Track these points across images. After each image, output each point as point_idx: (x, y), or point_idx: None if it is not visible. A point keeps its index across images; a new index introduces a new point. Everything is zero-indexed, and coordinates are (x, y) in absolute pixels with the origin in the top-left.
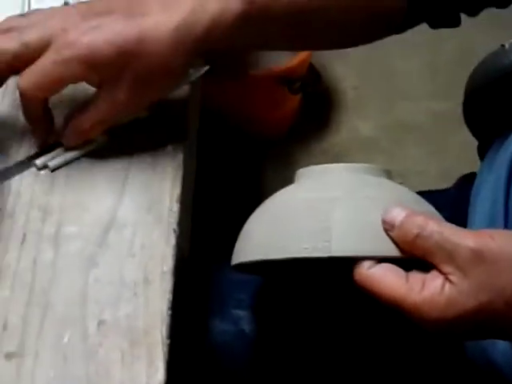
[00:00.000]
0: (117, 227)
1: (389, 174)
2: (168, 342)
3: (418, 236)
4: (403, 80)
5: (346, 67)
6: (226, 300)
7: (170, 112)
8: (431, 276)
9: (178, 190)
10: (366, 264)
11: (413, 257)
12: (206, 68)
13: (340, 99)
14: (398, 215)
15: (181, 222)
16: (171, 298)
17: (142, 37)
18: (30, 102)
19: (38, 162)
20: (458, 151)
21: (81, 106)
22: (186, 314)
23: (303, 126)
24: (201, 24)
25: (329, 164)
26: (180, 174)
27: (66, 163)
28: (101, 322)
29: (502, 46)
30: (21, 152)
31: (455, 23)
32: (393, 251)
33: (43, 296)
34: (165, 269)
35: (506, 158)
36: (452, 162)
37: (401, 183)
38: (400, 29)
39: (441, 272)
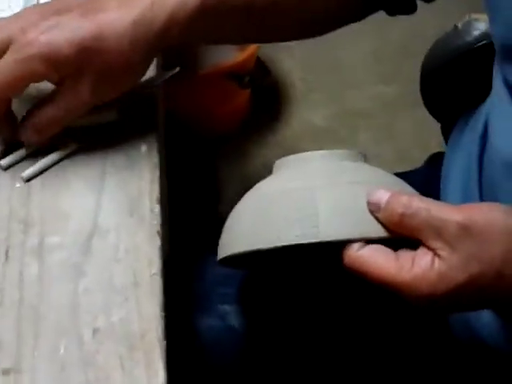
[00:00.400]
0: (100, 233)
1: (365, 158)
2: (164, 343)
3: (404, 215)
4: (350, 69)
5: (292, 60)
6: (212, 296)
7: (141, 113)
8: (420, 253)
9: (156, 191)
10: (355, 246)
11: (401, 236)
12: (177, 69)
13: (289, 91)
14: (382, 196)
15: (163, 223)
16: (163, 300)
17: (100, 33)
18: None
19: (3, 162)
20: (410, 133)
21: (39, 102)
22: (173, 312)
23: (255, 120)
24: (159, 19)
25: (305, 152)
26: (157, 174)
27: (40, 172)
28: (95, 330)
29: (455, 26)
30: None
31: (412, 9)
32: (380, 232)
33: (33, 310)
34: (153, 271)
35: (476, 135)
36: (405, 144)
37: None
38: (357, 17)
39: (429, 248)
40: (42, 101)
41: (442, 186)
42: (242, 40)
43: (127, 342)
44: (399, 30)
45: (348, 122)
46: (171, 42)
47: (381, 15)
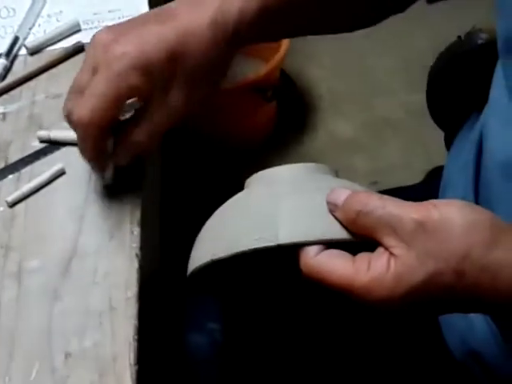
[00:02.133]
0: (79, 256)
1: (336, 173)
2: (136, 368)
3: (360, 213)
4: (376, 77)
5: (318, 70)
6: (200, 312)
7: None
8: (376, 254)
9: (138, 213)
10: (312, 251)
11: (360, 237)
12: None
13: (315, 103)
14: (340, 195)
15: (144, 245)
16: (137, 324)
17: (182, 38)
18: (90, 134)
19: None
20: (440, 142)
21: (127, 125)
22: (164, 328)
23: (281, 132)
24: (231, 19)
25: (271, 168)
26: (139, 195)
27: (25, 197)
28: (67, 354)
29: (459, 37)
30: None
31: None
32: (338, 234)
33: (9, 334)
34: (129, 294)
35: (472, 143)
36: (434, 153)
37: (375, 182)
38: (403, 7)
39: (385, 247)
40: (131, 122)
41: (440, 196)
42: (308, 32)
43: (99, 367)
44: (427, 38)
45: (376, 132)
46: (245, 41)
47: (408, 24)
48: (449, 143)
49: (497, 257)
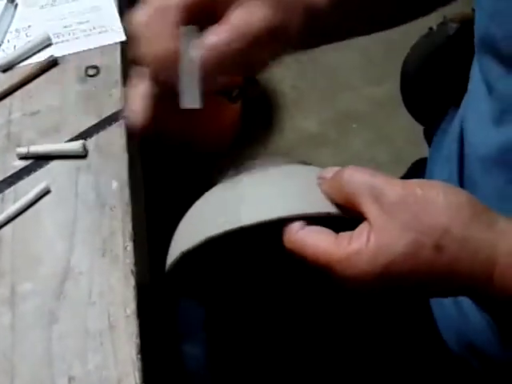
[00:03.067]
0: (72, 276)
1: (306, 164)
2: None
3: (348, 179)
4: (340, 72)
5: (281, 68)
6: (194, 322)
7: (110, 147)
8: (358, 230)
9: (129, 228)
10: (295, 227)
11: (342, 210)
12: None
13: (280, 100)
14: (331, 170)
15: (138, 260)
16: (139, 342)
17: None
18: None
19: None
20: (404, 134)
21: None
22: (157, 340)
23: (248, 132)
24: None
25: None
26: (129, 210)
27: (10, 219)
28: (71, 379)
29: (430, 28)
30: None
31: None
32: (306, 209)
33: (7, 362)
34: (128, 312)
35: (454, 135)
36: (400, 145)
37: None
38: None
39: (366, 217)
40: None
41: None
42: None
43: None
44: (396, 30)
45: (341, 126)
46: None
47: None
48: (428, 136)
49: (476, 235)
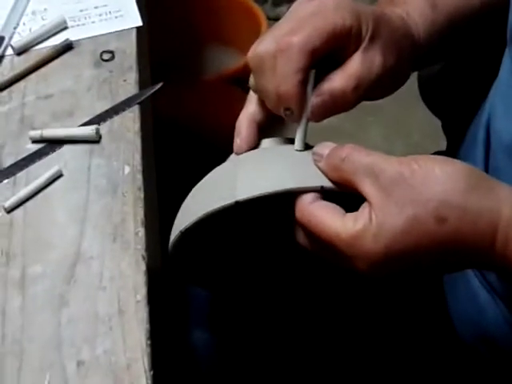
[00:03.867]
0: (83, 261)
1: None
2: (151, 373)
3: (345, 159)
4: None
5: None
6: (205, 309)
7: (123, 133)
8: (361, 210)
9: (141, 214)
10: (308, 198)
11: (339, 187)
12: (159, 85)
13: None
14: (327, 147)
15: (149, 246)
16: (149, 328)
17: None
18: (296, 60)
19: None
20: (422, 127)
21: (325, 78)
22: (167, 326)
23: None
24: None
25: None
26: (141, 196)
27: (22, 202)
28: (80, 363)
29: None
30: None
31: None
32: (301, 183)
33: (17, 344)
34: (138, 298)
35: (481, 124)
36: (417, 139)
37: None
38: None
39: (364, 195)
40: (331, 71)
41: None
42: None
43: (112, 374)
44: None
45: (358, 118)
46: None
47: None
48: (447, 130)
49: (476, 202)
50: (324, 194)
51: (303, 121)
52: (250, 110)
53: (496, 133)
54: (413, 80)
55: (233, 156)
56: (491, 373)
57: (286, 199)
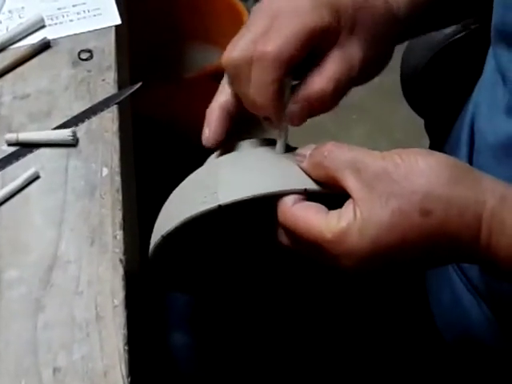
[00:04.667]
0: (60, 265)
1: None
2: (129, 379)
3: (327, 156)
4: None
5: None
6: (183, 312)
7: (101, 134)
8: (345, 206)
9: (119, 217)
10: (289, 201)
11: (324, 186)
12: (138, 85)
13: None
14: (310, 148)
15: (127, 249)
16: (126, 333)
17: None
18: (272, 70)
19: None
20: (405, 126)
21: (305, 78)
22: (145, 329)
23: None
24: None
25: None
26: (119, 198)
27: None
28: (56, 369)
29: None
30: None
31: None
32: (282, 186)
33: None
34: (116, 302)
35: (466, 122)
36: (400, 137)
37: None
38: None
39: (348, 191)
40: (309, 73)
41: None
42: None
43: (90, 381)
44: None
45: (341, 116)
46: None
47: None
48: (430, 129)
49: (461, 194)
50: (308, 195)
51: (283, 127)
52: (223, 98)
53: (480, 132)
54: (396, 78)
55: (212, 158)
56: (474, 373)
57: (268, 202)
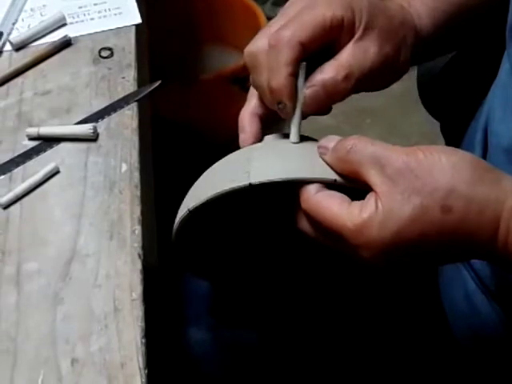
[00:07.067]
0: (79, 258)
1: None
2: (146, 371)
3: (351, 150)
4: None
5: None
6: (200, 308)
7: (121, 131)
8: (367, 199)
9: (138, 212)
10: (312, 189)
11: (346, 179)
12: (158, 83)
13: None
14: (333, 140)
15: (145, 244)
16: (144, 326)
17: None
18: (288, 53)
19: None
20: (419, 129)
21: (320, 67)
22: (162, 324)
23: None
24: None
25: None
26: (138, 193)
27: (18, 198)
28: (74, 361)
29: None
30: None
31: None
32: (314, 173)
33: (11, 342)
34: (134, 296)
35: (480, 124)
36: (415, 140)
37: None
38: None
39: (371, 185)
40: (324, 62)
41: None
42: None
43: (107, 372)
44: None
45: (355, 120)
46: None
47: None
48: (446, 132)
49: (482, 192)
50: (329, 186)
51: (297, 113)
52: (252, 104)
53: (494, 135)
54: (411, 82)
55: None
56: (485, 372)
57: (292, 188)
